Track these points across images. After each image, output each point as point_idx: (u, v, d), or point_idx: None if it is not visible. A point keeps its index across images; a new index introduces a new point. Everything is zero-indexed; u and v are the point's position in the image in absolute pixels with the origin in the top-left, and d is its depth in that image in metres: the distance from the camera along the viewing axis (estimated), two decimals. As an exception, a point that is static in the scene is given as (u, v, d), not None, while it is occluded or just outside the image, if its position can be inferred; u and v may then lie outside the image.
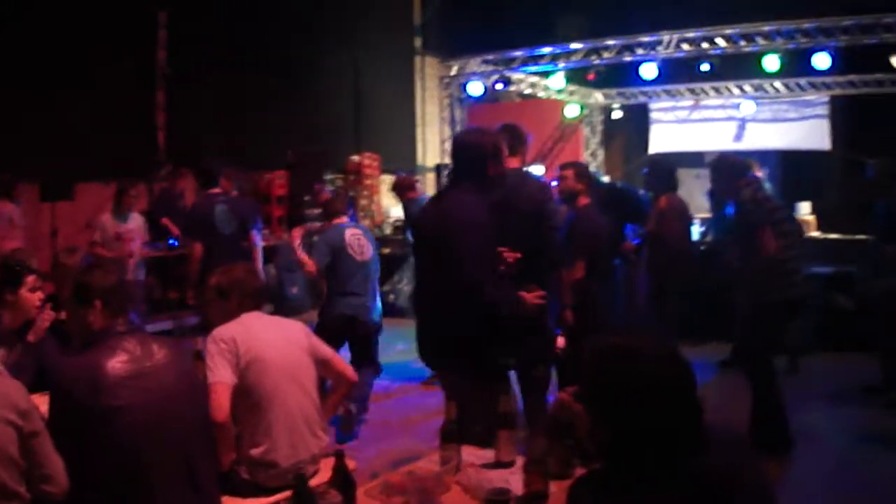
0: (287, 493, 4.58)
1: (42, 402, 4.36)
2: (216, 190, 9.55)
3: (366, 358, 8.64)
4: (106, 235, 11.35)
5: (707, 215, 13.10)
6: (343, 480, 3.56)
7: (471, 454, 4.34)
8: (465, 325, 5.19)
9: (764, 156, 18.88)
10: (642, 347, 2.60)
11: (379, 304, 8.80)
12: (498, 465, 4.16)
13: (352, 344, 8.63)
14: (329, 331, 7.73)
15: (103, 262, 4.84)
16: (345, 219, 8.76)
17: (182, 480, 4.12)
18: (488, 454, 4.33)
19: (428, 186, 20.40)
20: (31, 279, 5.78)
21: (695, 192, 15.46)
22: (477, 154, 5.46)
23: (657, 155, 21.19)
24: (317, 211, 14.64)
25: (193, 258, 9.30)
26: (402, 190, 11.39)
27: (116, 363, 3.96)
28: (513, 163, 6.60)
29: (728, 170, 7.74)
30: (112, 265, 4.67)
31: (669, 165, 9.29)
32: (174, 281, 12.74)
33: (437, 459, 4.14)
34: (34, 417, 3.68)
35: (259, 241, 9.84)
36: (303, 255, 8.79)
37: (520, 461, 4.03)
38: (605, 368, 2.63)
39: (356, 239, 8.54)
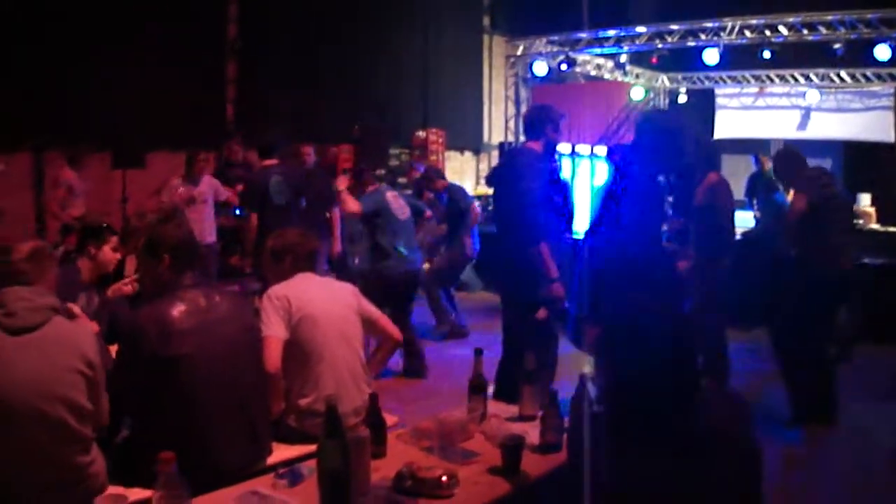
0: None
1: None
2: (272, 161, 9.85)
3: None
4: (175, 198, 11.69)
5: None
6: (375, 420, 3.91)
7: (497, 407, 4.72)
8: None
9: (827, 146, 18.90)
10: (649, 305, 2.94)
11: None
12: (521, 418, 4.51)
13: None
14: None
15: (174, 217, 5.15)
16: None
17: (240, 427, 4.50)
18: (512, 408, 4.70)
19: (492, 164, 20.59)
20: (114, 239, 6.26)
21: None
22: None
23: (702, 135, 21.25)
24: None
25: (250, 228, 9.63)
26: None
27: (183, 314, 4.29)
28: (530, 143, 7.04)
29: (792, 158, 7.96)
30: (183, 221, 4.97)
31: (715, 144, 9.40)
32: (238, 248, 13.09)
33: (464, 410, 4.48)
34: (98, 364, 4.01)
35: (339, 213, 10.34)
36: (348, 197, 9.26)
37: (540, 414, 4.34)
38: (612, 322, 2.98)
39: (396, 199, 9.33)
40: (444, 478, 3.52)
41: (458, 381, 8.67)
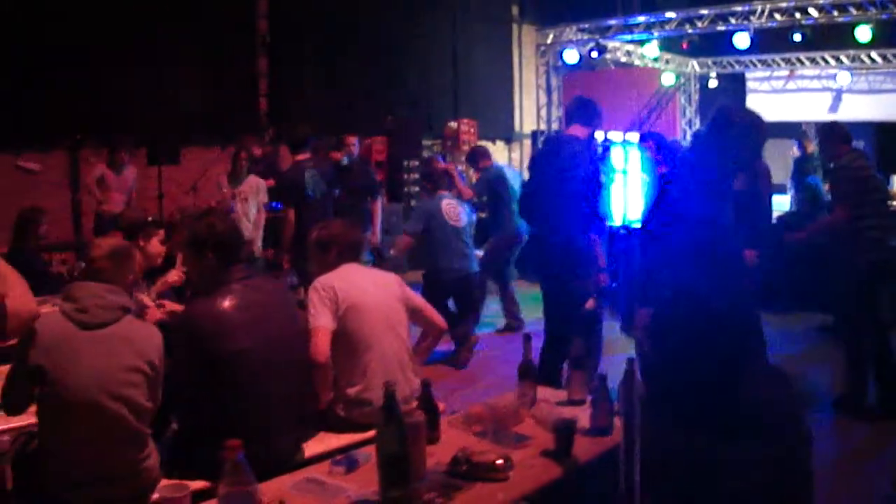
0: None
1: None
2: (305, 155, 9.90)
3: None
4: (226, 201, 11.80)
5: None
6: (428, 406, 3.96)
7: (545, 392, 4.77)
8: None
9: (859, 127, 18.79)
10: (706, 290, 2.99)
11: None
12: (570, 402, 4.55)
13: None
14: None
15: (217, 211, 5.24)
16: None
17: (292, 414, 4.59)
18: (561, 393, 4.75)
19: (524, 153, 20.62)
20: (160, 232, 6.35)
21: (789, 163, 15.55)
22: None
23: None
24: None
25: (287, 223, 9.70)
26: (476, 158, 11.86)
27: (236, 308, 4.36)
28: (574, 130, 7.03)
29: (836, 135, 7.94)
30: (225, 216, 5.03)
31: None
32: (275, 242, 13.17)
33: (514, 396, 4.52)
34: (159, 366, 4.10)
35: (380, 206, 10.49)
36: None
37: (589, 399, 4.40)
38: (672, 300, 3.03)
39: (451, 207, 9.45)
40: (499, 461, 3.57)
41: (496, 369, 8.80)
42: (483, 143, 19.18)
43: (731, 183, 5.42)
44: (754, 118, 5.49)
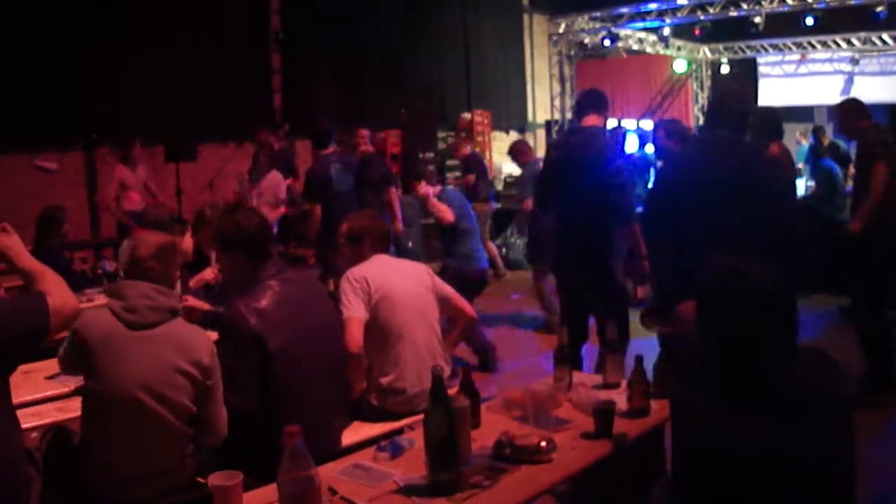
0: (413, 419, 5.06)
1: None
2: (330, 150, 9.94)
3: None
4: (244, 193, 11.87)
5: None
6: (469, 391, 4.00)
7: (581, 377, 4.81)
8: None
9: (872, 109, 18.77)
10: (750, 271, 3.03)
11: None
12: (605, 385, 4.59)
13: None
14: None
15: (244, 208, 5.28)
16: None
17: (334, 403, 4.68)
18: (596, 378, 4.79)
19: (538, 142, 20.64)
20: (189, 229, 6.40)
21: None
22: None
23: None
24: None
25: (314, 219, 9.72)
26: (516, 154, 11.91)
27: (275, 303, 4.40)
28: (591, 120, 7.02)
29: (856, 110, 7.89)
30: (252, 212, 5.05)
31: (776, 114, 9.16)
32: (295, 237, 13.23)
33: (551, 381, 4.57)
34: (213, 373, 4.09)
35: (397, 194, 10.50)
36: (439, 205, 9.29)
37: (624, 382, 4.44)
38: (717, 284, 3.06)
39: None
40: (542, 443, 3.61)
41: (522, 359, 8.83)
42: (497, 133, 19.26)
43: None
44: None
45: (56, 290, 3.60)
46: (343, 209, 8.81)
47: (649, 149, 14.21)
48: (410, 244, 12.90)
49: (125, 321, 3.93)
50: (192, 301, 5.83)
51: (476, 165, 14.89)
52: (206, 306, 5.77)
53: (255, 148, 12.40)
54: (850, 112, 7.99)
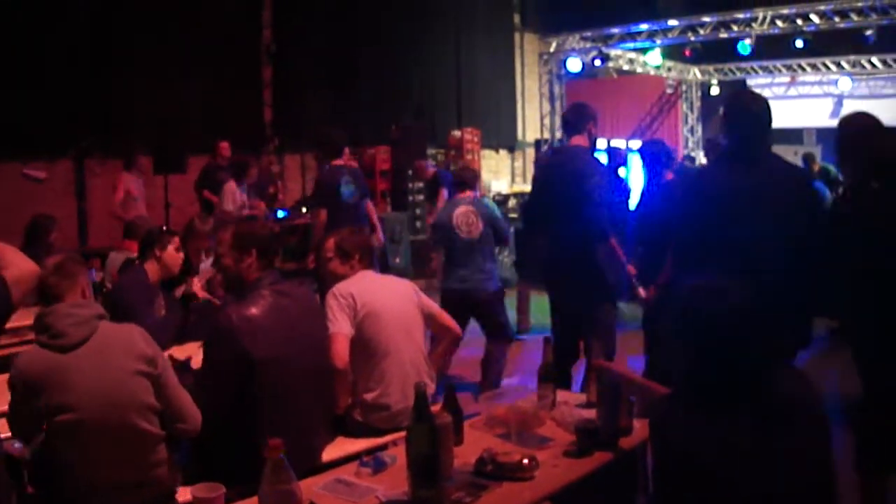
0: (397, 435, 5.06)
1: (195, 352, 4.89)
2: (340, 161, 10.00)
3: (493, 328, 8.53)
4: (235, 203, 11.88)
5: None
6: (453, 408, 4.01)
7: (565, 395, 4.82)
8: None
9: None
10: (727, 288, 3.07)
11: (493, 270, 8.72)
12: (589, 404, 4.59)
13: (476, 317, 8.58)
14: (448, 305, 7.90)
15: (259, 219, 5.40)
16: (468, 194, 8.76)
17: (320, 417, 4.72)
18: (580, 396, 4.80)
19: (528, 162, 20.68)
20: (175, 239, 6.40)
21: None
22: None
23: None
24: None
25: (318, 224, 9.77)
26: None
27: (268, 314, 4.42)
28: (577, 140, 7.04)
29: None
30: (265, 222, 5.12)
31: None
32: (285, 252, 13.23)
33: (535, 398, 4.57)
34: (159, 360, 4.07)
35: (374, 208, 10.49)
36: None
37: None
38: (695, 302, 3.10)
39: (465, 217, 8.75)
40: (525, 461, 3.62)
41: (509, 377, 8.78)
42: (486, 151, 19.29)
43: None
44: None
45: (10, 262, 3.59)
46: (347, 218, 9.03)
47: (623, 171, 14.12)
48: (398, 260, 12.91)
49: (57, 347, 3.87)
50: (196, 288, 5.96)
51: (444, 180, 14.67)
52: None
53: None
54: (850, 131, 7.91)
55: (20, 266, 3.63)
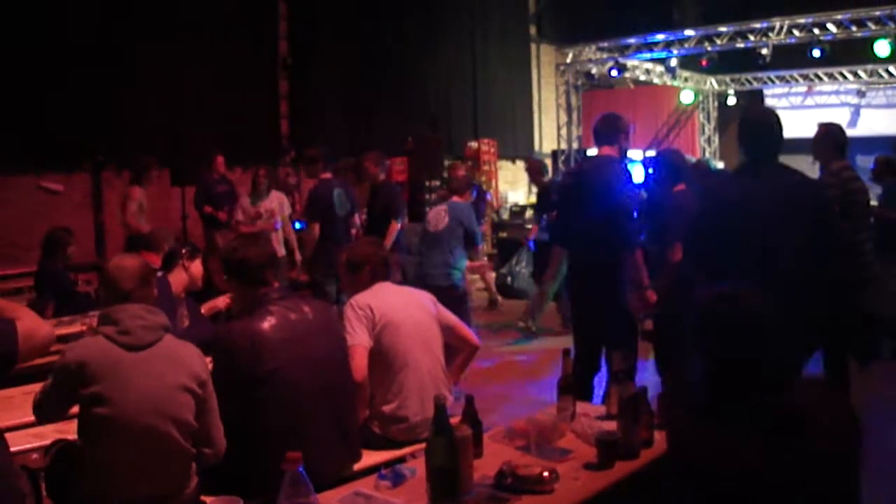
0: (415, 447, 5.05)
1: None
2: (328, 175, 10.15)
3: None
4: (247, 215, 11.90)
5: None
6: (472, 420, 3.97)
7: (585, 407, 4.79)
8: None
9: (878, 142, 18.78)
10: (743, 297, 3.05)
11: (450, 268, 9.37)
12: (609, 416, 4.56)
13: None
14: None
15: (251, 237, 5.38)
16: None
17: (333, 432, 4.64)
18: (600, 408, 4.77)
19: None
20: (199, 256, 6.43)
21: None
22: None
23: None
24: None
25: (311, 237, 9.87)
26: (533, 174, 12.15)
27: (274, 328, 4.43)
28: (606, 150, 7.05)
29: (832, 140, 7.76)
30: (260, 238, 5.11)
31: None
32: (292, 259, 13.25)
33: (554, 410, 4.54)
34: (208, 384, 4.12)
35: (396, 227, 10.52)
36: None
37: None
38: (712, 311, 3.09)
39: (436, 213, 9.72)
40: (544, 473, 3.59)
41: (524, 386, 8.79)
42: (503, 162, 19.27)
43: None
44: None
45: (27, 316, 3.58)
46: (340, 232, 9.50)
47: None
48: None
49: (122, 344, 3.92)
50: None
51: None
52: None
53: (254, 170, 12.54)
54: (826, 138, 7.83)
55: (35, 323, 3.61)
